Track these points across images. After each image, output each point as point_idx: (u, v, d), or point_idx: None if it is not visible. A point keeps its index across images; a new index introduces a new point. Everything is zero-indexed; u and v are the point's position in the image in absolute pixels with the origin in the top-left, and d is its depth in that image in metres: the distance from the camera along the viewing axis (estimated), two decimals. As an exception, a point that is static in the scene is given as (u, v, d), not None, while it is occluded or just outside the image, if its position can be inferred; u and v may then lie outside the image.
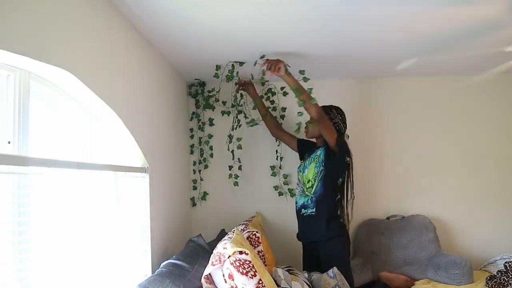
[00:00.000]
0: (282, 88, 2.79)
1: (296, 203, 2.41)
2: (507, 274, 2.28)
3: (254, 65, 2.34)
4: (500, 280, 2.27)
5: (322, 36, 2.07)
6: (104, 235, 1.61)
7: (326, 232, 2.21)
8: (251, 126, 2.72)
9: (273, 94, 2.82)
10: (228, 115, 2.80)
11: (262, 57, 2.29)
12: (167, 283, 1.45)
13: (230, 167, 2.78)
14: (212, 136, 2.85)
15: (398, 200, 2.89)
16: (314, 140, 2.52)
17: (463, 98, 2.94)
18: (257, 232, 2.00)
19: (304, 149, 2.54)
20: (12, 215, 1.12)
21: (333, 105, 2.41)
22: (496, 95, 2.93)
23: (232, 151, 2.75)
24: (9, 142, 1.14)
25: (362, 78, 2.94)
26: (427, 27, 1.98)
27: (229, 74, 2.47)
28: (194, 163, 2.72)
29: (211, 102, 2.75)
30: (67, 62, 1.26)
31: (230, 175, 2.81)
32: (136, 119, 1.84)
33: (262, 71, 2.29)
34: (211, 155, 2.85)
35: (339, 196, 2.33)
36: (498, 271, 2.35)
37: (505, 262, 2.35)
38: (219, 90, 2.71)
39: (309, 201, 2.28)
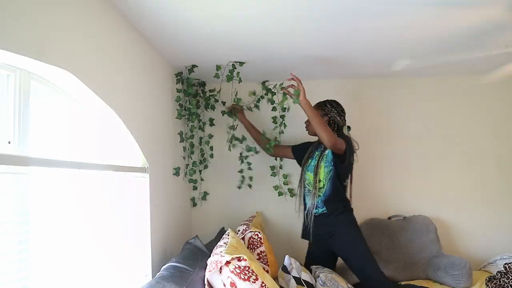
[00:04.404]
0: (282, 88, 2.79)
1: (305, 204, 2.38)
2: (507, 275, 2.27)
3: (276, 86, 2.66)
4: (500, 282, 2.26)
5: (322, 36, 2.07)
6: (104, 235, 1.61)
7: (338, 223, 2.23)
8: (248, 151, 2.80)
9: (273, 94, 2.82)
10: (229, 115, 2.80)
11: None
12: (169, 285, 1.44)
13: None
14: (212, 136, 2.85)
15: (399, 200, 2.89)
16: (310, 139, 2.51)
17: (464, 98, 2.94)
18: (259, 232, 2.00)
19: (301, 152, 2.51)
20: (12, 215, 1.12)
21: (328, 99, 2.39)
22: (497, 95, 2.93)
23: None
24: (9, 142, 1.14)
25: (362, 78, 2.94)
26: (429, 28, 1.97)
27: (229, 74, 2.47)
28: (195, 163, 2.72)
29: (212, 102, 2.76)
30: (67, 62, 1.26)
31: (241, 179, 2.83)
32: (136, 119, 1.84)
33: (283, 93, 2.40)
34: (211, 155, 2.85)
35: (346, 196, 2.34)
36: (497, 272, 2.35)
37: (505, 264, 2.34)
38: (219, 90, 2.71)
39: (319, 201, 2.28)
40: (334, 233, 2.23)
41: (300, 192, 2.43)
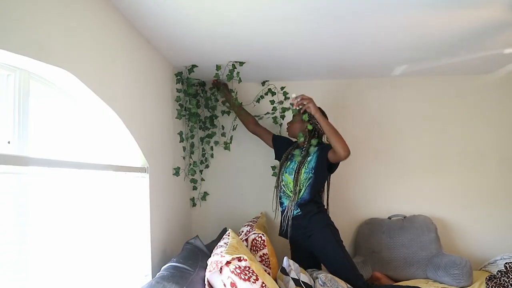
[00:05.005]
0: (282, 88, 2.79)
1: (281, 204, 2.39)
2: (507, 275, 2.27)
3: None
4: (500, 281, 2.26)
5: (322, 36, 2.07)
6: (104, 235, 1.61)
7: (313, 225, 2.24)
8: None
9: (273, 94, 2.82)
10: (228, 115, 2.80)
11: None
12: (169, 285, 1.44)
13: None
14: (212, 135, 2.85)
15: (400, 200, 2.89)
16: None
17: (465, 98, 2.94)
18: (263, 234, 2.00)
19: (281, 146, 2.51)
20: (12, 215, 1.12)
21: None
22: (497, 95, 2.93)
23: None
24: (8, 142, 1.14)
25: (362, 78, 2.94)
26: (429, 28, 1.97)
27: (229, 74, 2.47)
28: (195, 163, 2.72)
29: (212, 102, 2.76)
30: (67, 62, 1.26)
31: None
32: (136, 119, 1.84)
33: (290, 104, 2.35)
34: (212, 155, 2.85)
35: (321, 199, 2.39)
36: (498, 271, 2.35)
37: (506, 263, 2.35)
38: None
39: (294, 204, 2.28)
40: (310, 234, 2.24)
41: (277, 192, 2.44)
